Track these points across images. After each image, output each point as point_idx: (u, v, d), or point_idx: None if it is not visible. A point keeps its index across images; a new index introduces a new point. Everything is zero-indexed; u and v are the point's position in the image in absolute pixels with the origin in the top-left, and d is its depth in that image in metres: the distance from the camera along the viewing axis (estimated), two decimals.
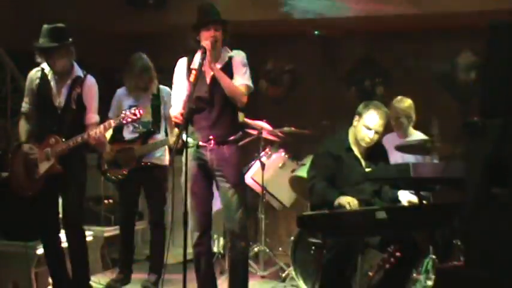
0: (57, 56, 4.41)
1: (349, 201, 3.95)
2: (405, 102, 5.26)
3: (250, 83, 4.25)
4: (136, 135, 5.22)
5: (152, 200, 5.31)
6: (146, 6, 6.94)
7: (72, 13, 6.35)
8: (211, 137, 4.18)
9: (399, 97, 5.32)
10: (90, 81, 4.57)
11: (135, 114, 4.49)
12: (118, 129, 5.19)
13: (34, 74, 4.58)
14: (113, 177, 5.20)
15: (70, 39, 4.44)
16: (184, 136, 3.94)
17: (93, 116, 4.56)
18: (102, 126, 4.45)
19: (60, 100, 4.49)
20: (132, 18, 7.04)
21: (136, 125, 5.21)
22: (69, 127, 4.46)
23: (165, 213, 5.33)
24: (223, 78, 4.14)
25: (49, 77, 4.52)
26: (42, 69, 4.55)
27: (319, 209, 4.09)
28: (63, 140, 4.44)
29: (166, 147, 5.25)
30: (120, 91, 5.31)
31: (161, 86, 5.28)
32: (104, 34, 7.09)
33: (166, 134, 5.25)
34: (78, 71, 4.54)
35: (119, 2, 6.93)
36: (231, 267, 4.34)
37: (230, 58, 4.25)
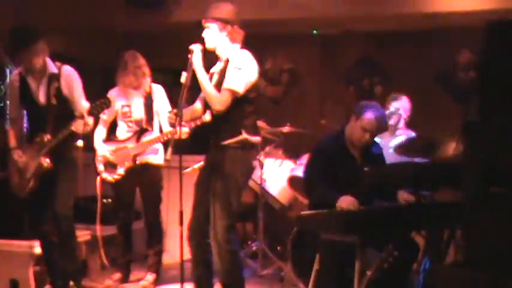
0: (31, 55, 4.45)
1: (349, 205, 3.87)
2: (398, 99, 5.25)
3: (235, 87, 4.03)
4: (130, 134, 5.22)
5: (148, 200, 5.32)
6: (146, 5, 6.93)
7: (72, 13, 6.35)
8: (211, 141, 4.20)
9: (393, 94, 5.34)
10: (66, 72, 4.60)
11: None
12: (112, 129, 5.28)
13: (14, 79, 4.65)
14: (109, 177, 5.20)
15: (41, 37, 4.48)
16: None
17: (81, 105, 4.52)
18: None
19: (41, 98, 4.54)
20: (132, 18, 7.03)
21: (130, 124, 5.23)
22: (55, 122, 4.47)
23: (161, 213, 5.34)
24: (201, 80, 4.07)
25: (27, 79, 4.57)
26: (20, 73, 4.61)
27: (319, 209, 4.06)
28: (51, 136, 4.46)
29: (162, 146, 5.25)
30: (112, 92, 5.30)
31: (153, 84, 5.29)
32: (104, 34, 7.08)
33: (160, 132, 5.26)
34: (52, 68, 4.57)
35: (119, 1, 6.92)
36: (220, 271, 4.19)
37: (228, 59, 4.16)
